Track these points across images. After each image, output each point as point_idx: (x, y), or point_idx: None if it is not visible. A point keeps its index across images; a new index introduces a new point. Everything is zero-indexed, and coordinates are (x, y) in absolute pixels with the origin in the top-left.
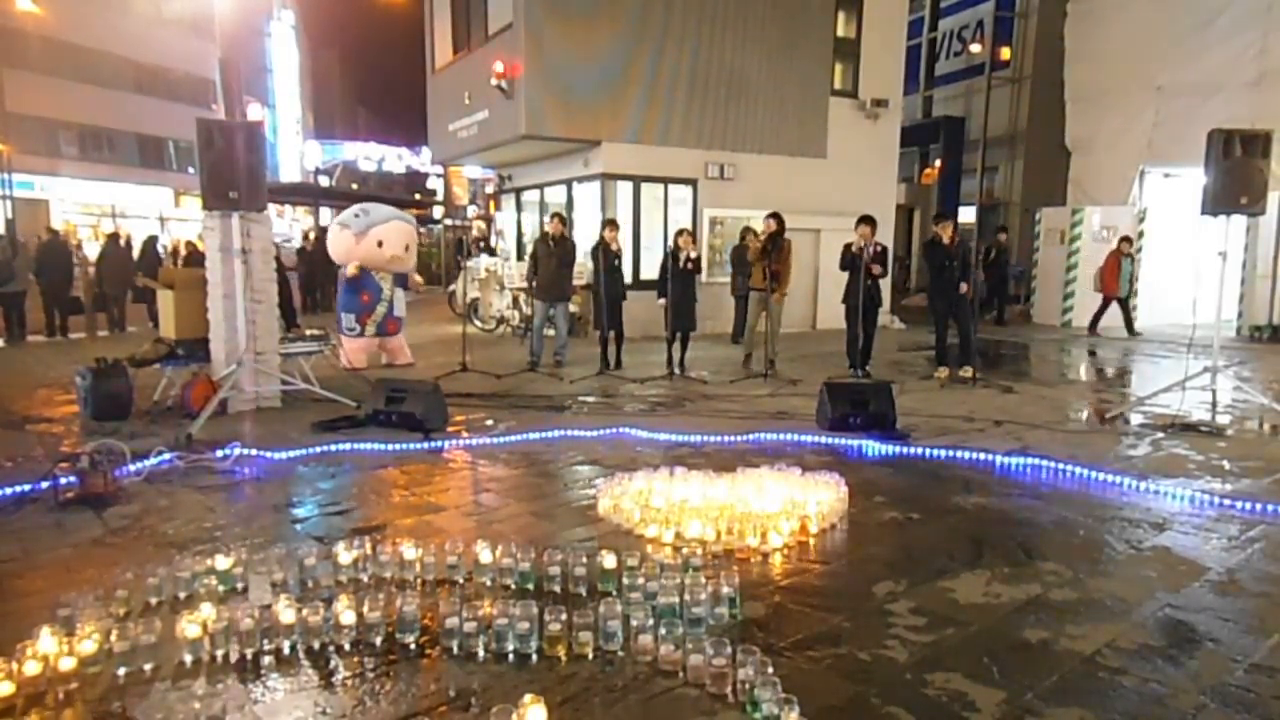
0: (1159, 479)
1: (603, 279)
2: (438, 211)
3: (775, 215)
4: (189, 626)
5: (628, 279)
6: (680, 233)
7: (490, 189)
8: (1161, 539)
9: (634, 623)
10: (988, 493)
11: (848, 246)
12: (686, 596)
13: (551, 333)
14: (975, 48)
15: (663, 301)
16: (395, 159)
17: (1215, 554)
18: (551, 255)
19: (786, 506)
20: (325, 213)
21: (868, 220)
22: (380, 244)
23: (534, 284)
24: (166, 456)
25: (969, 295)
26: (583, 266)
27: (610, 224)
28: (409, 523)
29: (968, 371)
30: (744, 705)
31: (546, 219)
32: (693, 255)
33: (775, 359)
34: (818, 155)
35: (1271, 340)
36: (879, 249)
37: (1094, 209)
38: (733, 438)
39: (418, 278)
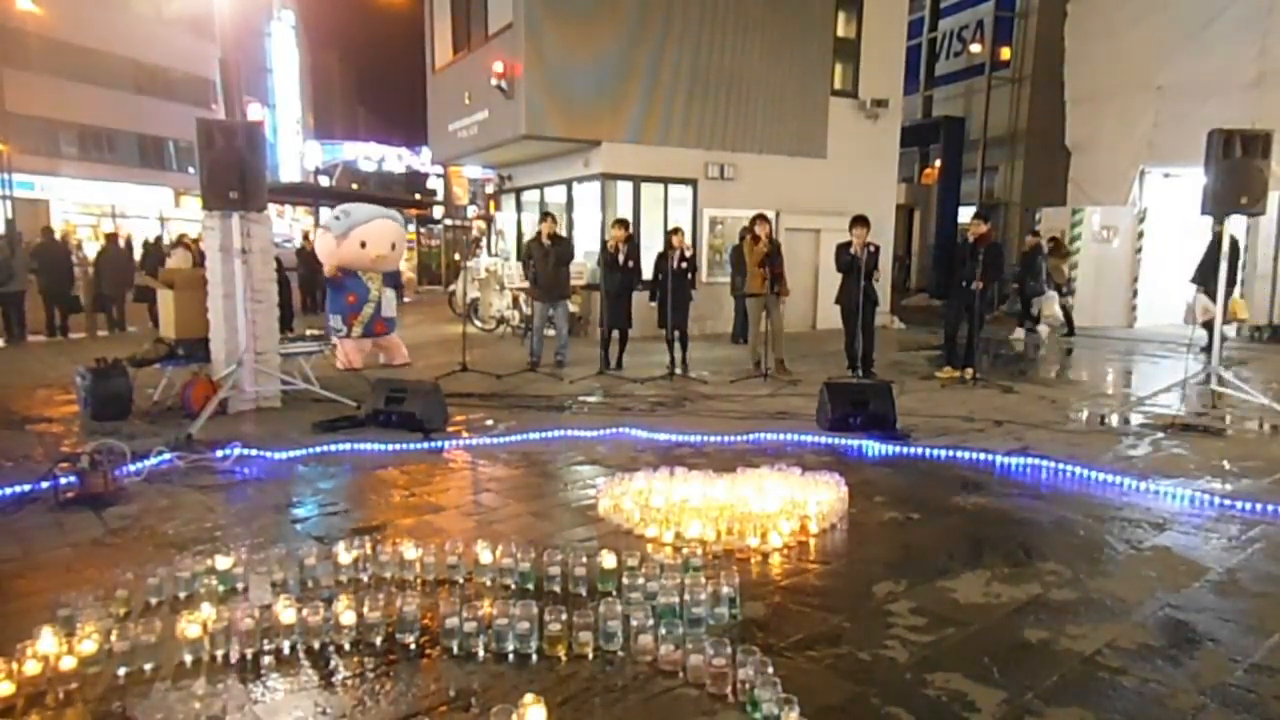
0: (1159, 479)
1: (606, 277)
2: (438, 211)
3: (765, 217)
4: (189, 626)
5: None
6: (673, 232)
7: (490, 189)
8: (1161, 539)
9: (634, 623)
10: (988, 493)
11: (844, 247)
12: (686, 596)
13: (551, 333)
14: (975, 48)
15: (654, 304)
16: (395, 159)
17: (1215, 554)
18: (548, 255)
19: (786, 506)
20: (325, 213)
21: (865, 221)
22: (363, 244)
23: (534, 285)
24: (166, 456)
25: (979, 288)
26: (583, 266)
27: (618, 223)
28: (409, 523)
29: (968, 373)
30: (744, 705)
31: (540, 220)
32: (687, 255)
33: (784, 359)
34: (818, 155)
35: (1271, 340)
36: (873, 248)
37: (1094, 209)
38: (733, 438)
39: (410, 275)
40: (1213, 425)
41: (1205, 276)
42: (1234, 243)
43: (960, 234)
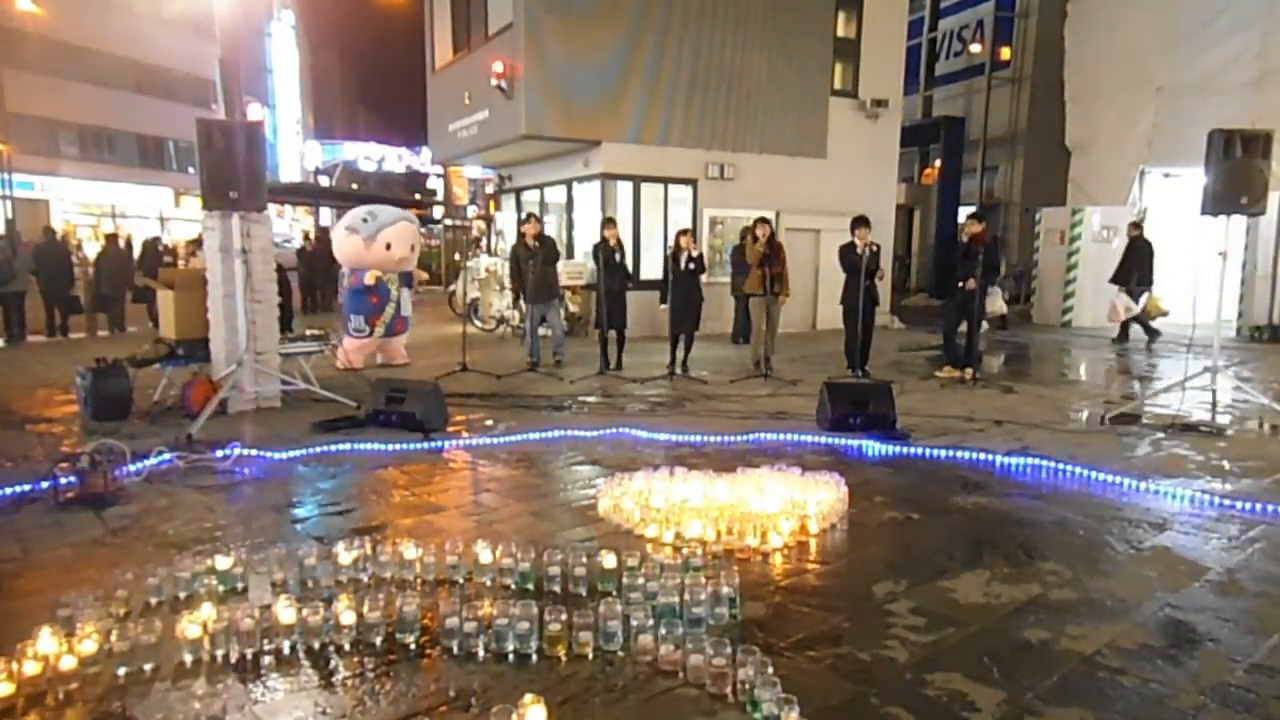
0: (1159, 479)
1: (603, 277)
2: (438, 211)
3: (766, 220)
4: (189, 626)
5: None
6: (682, 233)
7: (490, 189)
8: (1161, 539)
9: (634, 623)
10: (988, 493)
11: (849, 247)
12: (686, 596)
13: (546, 333)
14: (975, 48)
15: (664, 306)
16: (395, 159)
17: (1215, 554)
18: (534, 257)
19: (786, 506)
20: (325, 213)
21: (866, 221)
22: (389, 246)
23: (520, 289)
24: (166, 456)
25: (972, 290)
26: (583, 266)
27: (609, 222)
28: (409, 523)
29: (968, 373)
30: (744, 705)
31: (522, 221)
32: (695, 254)
33: (771, 357)
34: (818, 155)
35: (1271, 340)
36: (875, 248)
37: (1094, 209)
38: (733, 438)
39: (422, 273)
40: (1213, 425)
41: (1125, 277)
42: (1148, 244)
43: (959, 234)
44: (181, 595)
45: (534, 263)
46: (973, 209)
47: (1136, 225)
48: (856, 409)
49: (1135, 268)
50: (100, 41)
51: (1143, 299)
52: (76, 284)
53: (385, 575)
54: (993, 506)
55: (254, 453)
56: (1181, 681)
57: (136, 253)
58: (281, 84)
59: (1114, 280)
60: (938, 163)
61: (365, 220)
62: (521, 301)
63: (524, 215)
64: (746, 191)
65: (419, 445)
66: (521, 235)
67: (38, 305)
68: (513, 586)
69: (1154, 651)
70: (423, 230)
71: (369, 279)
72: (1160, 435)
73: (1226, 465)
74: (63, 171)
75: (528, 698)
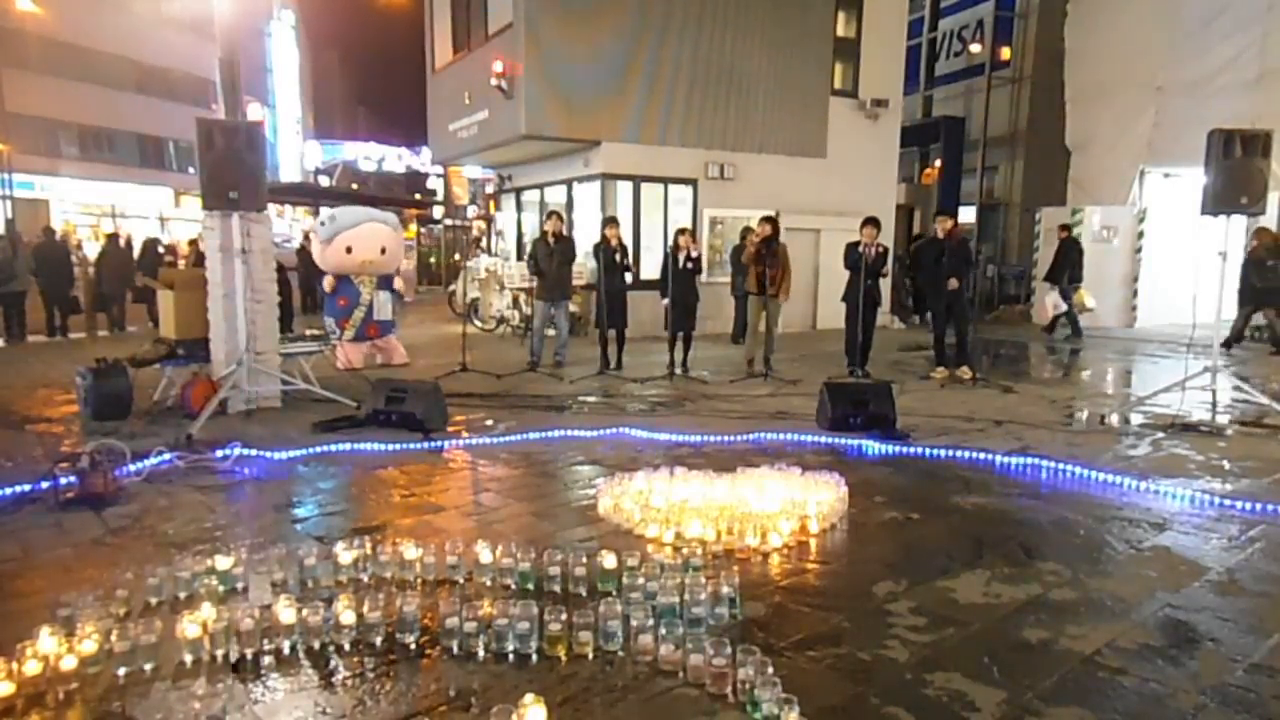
0: (1159, 479)
1: (603, 277)
2: (438, 211)
3: (770, 219)
4: (189, 626)
5: (629, 278)
6: (681, 232)
7: (490, 189)
8: (1161, 539)
9: (634, 623)
10: (988, 493)
11: (854, 245)
12: (686, 596)
13: (552, 333)
14: (975, 48)
15: (666, 302)
16: (395, 159)
17: (1215, 554)
18: (553, 255)
19: (786, 506)
20: (326, 213)
21: (873, 222)
22: (349, 250)
23: (539, 284)
24: (166, 456)
25: (957, 288)
26: (583, 266)
27: (611, 221)
28: (409, 523)
29: (966, 373)
30: (744, 705)
31: (545, 218)
32: (694, 254)
33: (771, 357)
34: (818, 155)
35: (1271, 340)
36: (880, 249)
37: (1094, 209)
38: (733, 438)
39: (400, 284)
40: (1213, 425)
41: (1057, 276)
42: (1077, 243)
43: (939, 233)
44: (181, 595)
45: (551, 260)
46: (974, 208)
47: (1065, 227)
48: (856, 409)
49: (1066, 267)
50: (100, 41)
51: (1072, 296)
52: (76, 284)
53: (385, 575)
54: (992, 506)
55: (254, 453)
56: (1181, 681)
57: (136, 253)
58: (281, 84)
59: (1047, 279)
60: (938, 163)
61: (324, 223)
62: (522, 301)
63: (547, 213)
64: (746, 191)
65: (419, 445)
66: (544, 232)
67: (38, 305)
68: (513, 586)
69: (1154, 651)
70: (423, 230)
71: (326, 285)
72: (1160, 435)
73: (1226, 465)
74: (63, 171)
75: (528, 698)
